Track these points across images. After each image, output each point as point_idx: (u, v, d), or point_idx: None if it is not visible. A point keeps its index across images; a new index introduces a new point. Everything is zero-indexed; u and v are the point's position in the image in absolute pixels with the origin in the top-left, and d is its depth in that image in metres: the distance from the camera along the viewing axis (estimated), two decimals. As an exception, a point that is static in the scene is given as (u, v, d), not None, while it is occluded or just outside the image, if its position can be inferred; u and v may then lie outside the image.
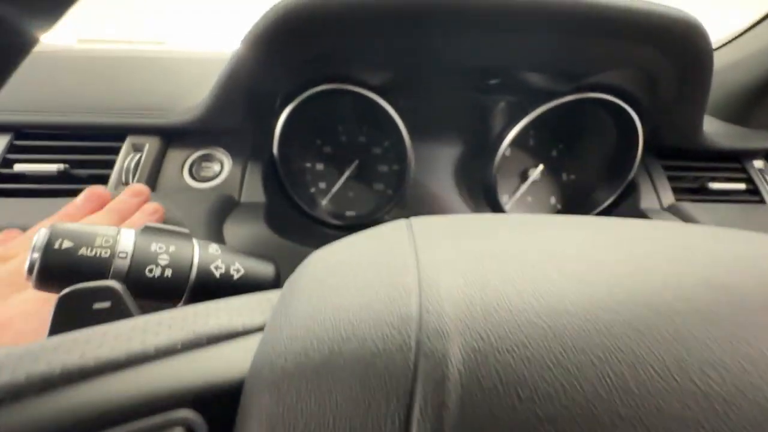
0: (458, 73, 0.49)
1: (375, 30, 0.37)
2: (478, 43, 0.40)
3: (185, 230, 0.25)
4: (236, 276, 0.25)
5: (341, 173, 0.60)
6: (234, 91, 0.44)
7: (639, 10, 0.33)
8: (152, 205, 0.35)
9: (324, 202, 0.61)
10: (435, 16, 0.36)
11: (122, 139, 0.48)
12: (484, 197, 0.61)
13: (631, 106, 0.47)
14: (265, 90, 0.46)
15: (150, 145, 0.48)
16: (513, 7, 0.33)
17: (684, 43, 0.36)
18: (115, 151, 0.47)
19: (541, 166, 0.60)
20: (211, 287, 0.24)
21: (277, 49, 0.39)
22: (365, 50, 0.41)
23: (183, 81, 0.57)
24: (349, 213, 0.62)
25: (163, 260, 0.22)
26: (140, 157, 0.47)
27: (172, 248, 0.23)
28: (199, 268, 0.24)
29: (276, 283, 0.28)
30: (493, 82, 0.50)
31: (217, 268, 0.24)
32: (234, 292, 0.25)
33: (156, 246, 0.22)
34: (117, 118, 0.48)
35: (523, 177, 0.62)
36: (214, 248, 0.25)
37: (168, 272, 0.22)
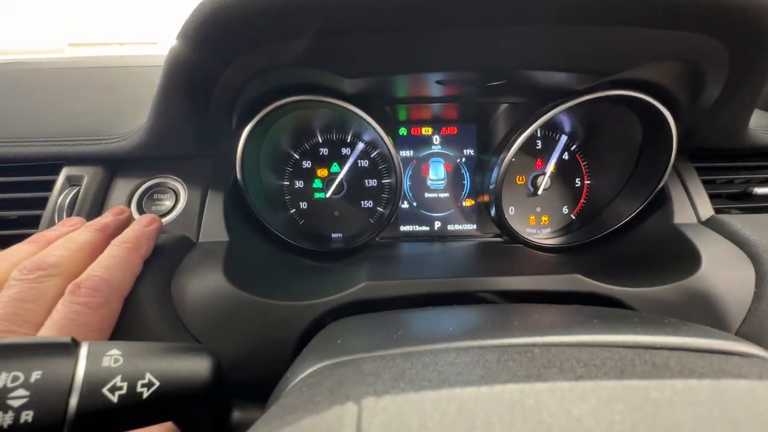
0: (454, 76, 0.40)
1: (327, 29, 0.29)
2: (480, 42, 0.31)
3: (63, 339, 0.17)
4: (147, 393, 0.18)
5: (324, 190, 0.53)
6: (178, 102, 0.36)
7: None
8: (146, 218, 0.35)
9: (305, 223, 0.54)
10: (420, 12, 0.28)
11: (57, 172, 0.41)
12: (487, 210, 0.54)
13: (664, 103, 0.39)
14: (221, 103, 0.38)
15: (90, 177, 0.40)
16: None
17: (748, 26, 0.27)
18: (48, 186, 0.40)
19: (550, 171, 0.53)
20: (105, 419, 0.17)
21: (217, 46, 0.31)
22: (326, 53, 0.33)
23: (135, 96, 0.49)
24: (335, 235, 0.55)
25: (18, 399, 0.15)
26: (78, 191, 0.40)
27: (35, 376, 0.16)
28: (82, 396, 0.16)
29: (212, 385, 0.20)
30: (496, 83, 0.41)
31: (114, 389, 0.17)
32: (143, 415, 0.18)
33: (6, 378, 0.15)
34: (49, 147, 0.41)
35: (531, 184, 0.54)
36: (112, 358, 0.18)
37: (27, 416, 0.15)
